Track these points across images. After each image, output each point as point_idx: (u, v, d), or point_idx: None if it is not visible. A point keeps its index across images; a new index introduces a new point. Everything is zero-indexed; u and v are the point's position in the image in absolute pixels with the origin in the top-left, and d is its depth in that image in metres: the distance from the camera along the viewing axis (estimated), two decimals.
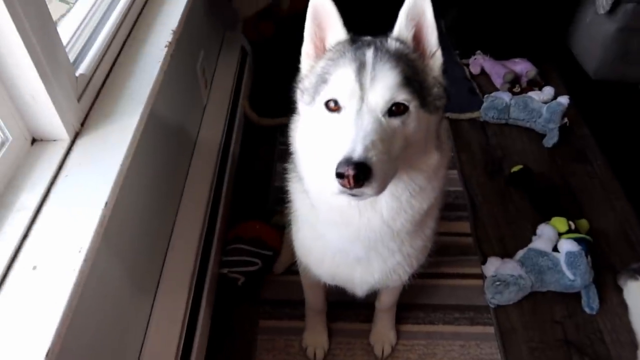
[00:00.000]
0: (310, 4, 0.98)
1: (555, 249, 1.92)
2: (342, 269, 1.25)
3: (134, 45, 1.40)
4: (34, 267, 0.88)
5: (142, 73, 1.31)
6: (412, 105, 0.91)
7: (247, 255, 1.88)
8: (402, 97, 0.90)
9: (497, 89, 2.77)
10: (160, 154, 1.56)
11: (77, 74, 1.15)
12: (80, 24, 1.30)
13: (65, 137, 1.09)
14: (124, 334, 1.28)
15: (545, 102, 2.53)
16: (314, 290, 1.61)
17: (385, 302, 1.66)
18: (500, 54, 2.92)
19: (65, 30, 1.25)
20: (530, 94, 2.60)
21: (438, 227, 1.28)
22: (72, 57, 1.20)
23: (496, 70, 2.82)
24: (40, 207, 0.97)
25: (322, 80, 0.96)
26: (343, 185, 0.82)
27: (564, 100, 2.46)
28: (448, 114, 2.62)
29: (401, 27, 0.97)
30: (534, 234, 2.04)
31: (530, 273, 1.85)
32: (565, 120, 2.48)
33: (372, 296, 1.69)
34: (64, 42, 1.16)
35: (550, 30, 2.95)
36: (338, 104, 0.91)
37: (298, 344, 1.76)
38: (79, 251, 0.90)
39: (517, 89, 2.71)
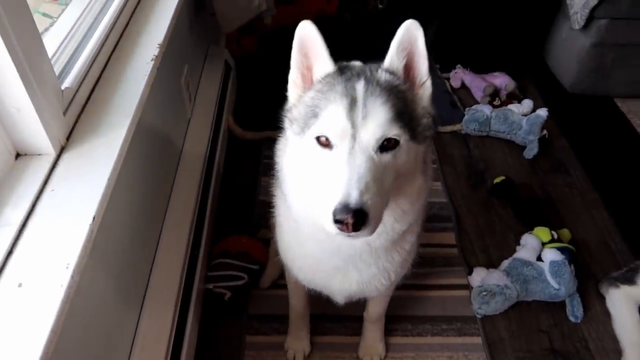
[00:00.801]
0: (296, 34, 0.97)
1: (539, 259, 1.95)
2: (321, 276, 1.27)
3: (120, 59, 1.39)
4: (20, 285, 0.85)
5: (128, 86, 1.30)
6: (403, 139, 0.92)
7: (233, 269, 1.86)
8: (394, 132, 0.90)
9: (477, 102, 2.82)
10: (145, 167, 1.54)
11: (62, 87, 1.14)
12: (65, 37, 1.29)
13: (50, 151, 1.07)
14: (110, 351, 1.25)
15: (525, 115, 2.59)
16: (297, 292, 1.61)
17: (373, 313, 1.66)
18: (480, 68, 2.98)
19: (50, 44, 1.23)
20: (510, 106, 2.66)
21: (419, 241, 1.31)
22: (57, 70, 1.18)
23: (476, 84, 2.88)
24: (25, 222, 0.95)
25: (313, 114, 0.95)
26: (341, 230, 0.85)
27: (542, 112, 2.52)
28: None
29: (392, 57, 0.96)
30: (518, 243, 2.07)
31: (516, 283, 1.87)
32: (545, 132, 2.54)
33: (360, 308, 1.69)
34: (49, 54, 1.14)
35: (528, 45, 3.03)
36: (329, 140, 0.91)
37: (286, 358, 1.74)
38: (67, 267, 0.88)
39: (497, 102, 2.77)
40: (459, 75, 2.98)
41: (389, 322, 1.82)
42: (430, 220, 2.20)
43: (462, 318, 1.87)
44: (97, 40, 1.32)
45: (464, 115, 2.68)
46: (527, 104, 2.67)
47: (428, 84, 0.99)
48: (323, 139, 0.92)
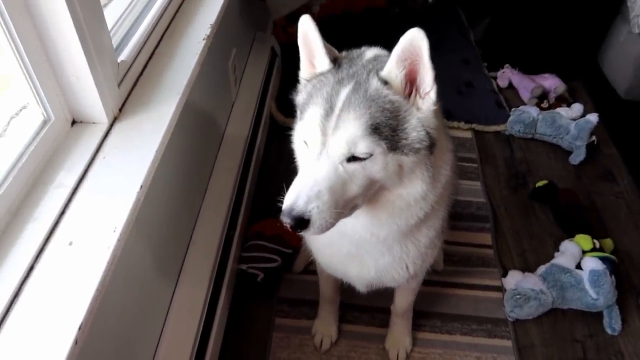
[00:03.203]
0: (299, 27, 0.99)
1: (578, 267, 1.89)
2: (338, 260, 1.30)
3: (173, 37, 1.43)
4: (70, 243, 0.90)
5: (179, 63, 1.33)
6: (378, 152, 0.91)
7: (267, 252, 1.89)
8: (363, 147, 0.90)
9: (524, 103, 2.75)
10: (190, 144, 1.58)
11: (119, 60, 1.18)
12: (123, 12, 1.33)
13: (104, 120, 1.11)
14: (146, 317, 1.29)
15: (574, 119, 2.51)
16: (325, 277, 1.62)
17: (400, 307, 1.65)
18: (529, 69, 2.90)
19: (109, 18, 1.27)
20: (559, 110, 2.58)
21: (442, 237, 1.32)
22: (114, 43, 1.22)
23: (524, 85, 2.81)
24: (77, 185, 0.99)
25: (303, 108, 0.99)
26: (286, 225, 0.91)
27: (592, 117, 2.43)
28: (474, 125, 2.62)
29: (392, 66, 0.93)
30: (556, 250, 2.02)
31: (552, 289, 1.82)
32: (593, 138, 2.45)
33: (389, 300, 1.69)
34: (108, 28, 1.19)
35: (581, 47, 2.93)
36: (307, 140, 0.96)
37: (313, 343, 1.76)
38: (114, 230, 0.91)
39: (544, 105, 2.69)
40: (507, 75, 2.91)
41: (417, 317, 1.81)
42: (467, 219, 2.18)
43: (493, 320, 1.84)
44: (153, 17, 1.36)
45: (509, 116, 2.62)
46: (577, 108, 2.58)
47: (432, 94, 0.94)
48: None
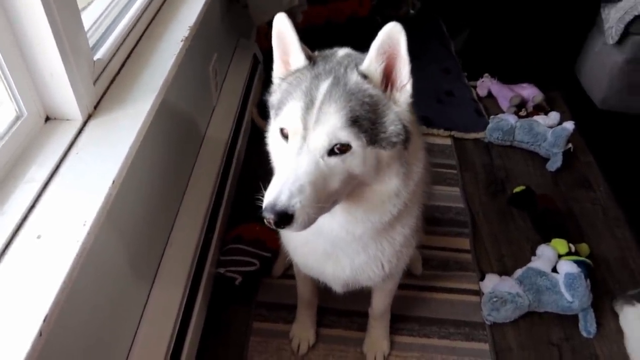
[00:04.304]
0: (274, 25, 1.00)
1: (554, 271, 1.92)
2: (314, 259, 1.30)
3: (152, 37, 1.44)
4: (39, 236, 0.89)
5: (157, 63, 1.34)
6: (356, 145, 0.92)
7: (245, 255, 1.88)
8: (344, 139, 0.91)
9: (503, 112, 2.80)
10: (167, 144, 1.58)
11: (95, 58, 1.18)
12: (103, 12, 1.33)
13: (78, 117, 1.11)
14: (119, 318, 1.28)
15: (551, 127, 2.56)
16: (303, 280, 1.62)
17: (377, 309, 1.66)
18: (508, 78, 2.96)
19: (88, 18, 1.28)
20: (536, 118, 2.63)
21: (417, 236, 1.34)
22: (91, 42, 1.23)
23: (503, 94, 2.86)
24: (49, 180, 0.99)
25: (279, 106, 0.98)
26: (268, 224, 0.90)
27: (569, 125, 2.48)
28: (453, 133, 2.65)
29: (371, 59, 0.95)
30: (534, 254, 2.04)
31: (528, 292, 1.84)
32: (570, 145, 2.50)
33: (368, 304, 1.69)
34: (86, 27, 1.19)
35: (559, 57, 2.99)
36: (287, 133, 0.95)
37: (291, 347, 1.75)
38: (84, 224, 0.91)
39: (523, 113, 2.74)
40: (486, 84, 2.96)
41: (395, 321, 1.82)
42: (446, 224, 2.20)
43: (470, 323, 1.85)
44: (131, 17, 1.37)
45: (488, 123, 2.66)
46: (554, 116, 2.64)
47: (408, 87, 0.97)
48: (285, 131, 0.96)
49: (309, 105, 0.92)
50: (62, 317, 0.89)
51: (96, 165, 1.03)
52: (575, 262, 1.90)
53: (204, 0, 1.62)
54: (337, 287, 1.40)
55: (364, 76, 0.96)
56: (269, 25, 2.54)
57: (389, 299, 1.63)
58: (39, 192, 0.96)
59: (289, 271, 1.92)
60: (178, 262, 1.62)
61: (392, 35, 0.92)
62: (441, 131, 2.65)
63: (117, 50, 1.28)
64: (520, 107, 2.77)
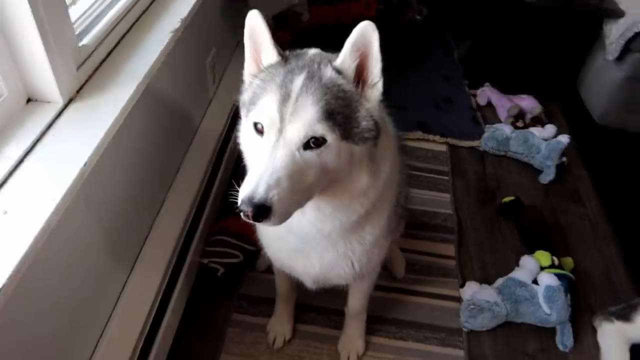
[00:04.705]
0: (246, 22, 1.01)
1: (535, 282, 1.92)
2: (285, 255, 1.33)
3: (142, 28, 1.46)
4: (5, 212, 0.92)
5: (144, 53, 1.37)
6: (331, 139, 0.93)
7: (229, 247, 1.91)
8: (320, 132, 0.92)
9: (501, 122, 2.80)
10: (154, 132, 1.60)
11: (80, 44, 1.21)
12: (94, 2, 1.36)
13: (58, 100, 1.14)
14: (93, 299, 1.29)
15: (546, 139, 2.55)
16: (281, 275, 1.64)
17: (353, 309, 1.67)
18: (508, 88, 2.96)
19: (79, 6, 1.32)
20: (532, 129, 2.63)
21: (390, 237, 1.37)
22: (79, 29, 1.26)
23: (502, 104, 2.86)
24: (22, 159, 1.02)
25: (252, 101, 0.99)
26: (245, 218, 0.90)
27: (563, 139, 2.48)
28: (448, 139, 2.66)
29: (345, 56, 0.97)
30: (517, 265, 2.04)
31: (507, 302, 1.84)
32: (564, 159, 2.50)
33: (346, 303, 1.71)
34: (76, 15, 1.23)
35: (561, 71, 2.98)
36: (263, 127, 0.95)
37: (267, 341, 1.77)
38: (52, 201, 0.93)
39: (520, 124, 2.74)
40: (486, 94, 2.97)
41: (373, 322, 1.83)
42: (433, 230, 2.21)
43: (447, 329, 1.86)
44: (122, 7, 1.40)
45: (484, 132, 2.66)
46: (550, 129, 2.63)
47: (379, 85, 0.99)
48: (259, 126, 0.96)
49: (285, 98, 0.93)
50: (24, 291, 0.92)
51: (71, 147, 1.06)
52: (557, 275, 1.90)
53: None
54: (309, 282, 1.42)
55: (338, 72, 0.98)
56: (276, 24, 2.55)
57: (364, 299, 1.64)
58: (11, 169, 0.99)
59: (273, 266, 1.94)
60: (160, 249, 1.64)
61: (366, 34, 0.94)
62: (437, 137, 2.66)
63: (104, 38, 1.31)
64: (518, 118, 2.77)
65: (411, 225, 2.18)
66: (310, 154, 0.93)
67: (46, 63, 1.08)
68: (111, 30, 1.34)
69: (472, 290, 1.91)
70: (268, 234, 1.35)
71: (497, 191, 2.45)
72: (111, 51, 1.34)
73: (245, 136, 1.06)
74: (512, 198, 2.31)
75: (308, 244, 1.24)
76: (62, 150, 1.05)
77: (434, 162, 2.55)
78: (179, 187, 1.83)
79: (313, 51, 1.07)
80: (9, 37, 1.04)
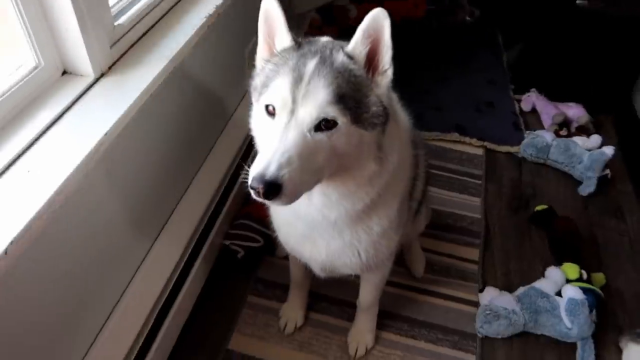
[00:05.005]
0: (261, 6, 1.04)
1: (559, 295, 1.85)
2: (294, 240, 1.36)
3: (179, 12, 1.53)
4: (28, 171, 1.00)
5: (176, 35, 1.44)
6: (342, 122, 0.95)
7: (251, 231, 1.96)
8: (331, 114, 0.94)
9: (544, 129, 2.70)
10: (187, 115, 1.66)
11: (115, 23, 1.29)
12: None
13: (90, 74, 1.22)
14: (111, 268, 1.37)
15: (589, 150, 2.44)
16: (293, 260, 1.67)
17: (363, 301, 1.68)
18: (556, 96, 2.85)
19: None
20: (575, 139, 2.52)
21: (400, 231, 1.36)
22: (117, 8, 1.34)
23: (547, 111, 2.76)
24: (50, 125, 1.10)
25: (265, 84, 1.01)
26: (255, 196, 0.92)
27: (608, 150, 2.37)
28: (486, 143, 2.60)
29: (357, 42, 0.99)
30: (544, 276, 1.98)
31: (526, 311, 1.79)
32: (607, 171, 2.38)
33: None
34: None
35: (614, 80, 2.84)
36: (275, 109, 0.97)
37: (278, 325, 1.81)
38: (70, 164, 1.01)
39: (564, 132, 2.63)
40: (532, 99, 2.87)
41: (385, 317, 1.83)
42: (457, 232, 2.17)
43: (461, 332, 1.83)
44: None
45: (524, 138, 2.58)
46: (595, 139, 2.51)
47: (389, 72, 1.01)
48: (270, 108, 0.98)
49: (297, 81, 0.95)
50: (37, 248, 1.00)
51: (95, 117, 1.13)
52: (583, 289, 1.82)
53: None
54: (317, 269, 1.44)
55: (349, 57, 1.00)
56: (322, 18, 2.59)
57: (375, 292, 1.65)
58: (39, 134, 1.07)
59: None
60: (182, 227, 1.71)
61: (378, 20, 0.96)
62: (474, 140, 2.60)
63: (141, 19, 1.39)
64: (562, 126, 2.67)
65: (435, 225, 2.16)
66: (321, 136, 0.95)
67: (80, 39, 1.16)
68: (148, 13, 1.42)
69: (490, 295, 1.86)
70: (279, 217, 1.38)
71: (532, 199, 2.37)
72: (146, 32, 1.42)
73: (256, 120, 1.09)
74: (545, 207, 2.23)
75: (315, 230, 1.26)
76: (87, 120, 1.13)
77: (467, 165, 2.50)
78: (208, 169, 1.90)
79: (325, 38, 1.09)
80: (49, 14, 1.13)
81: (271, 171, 0.89)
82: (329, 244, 1.28)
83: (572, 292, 1.80)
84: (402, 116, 1.24)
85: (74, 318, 1.23)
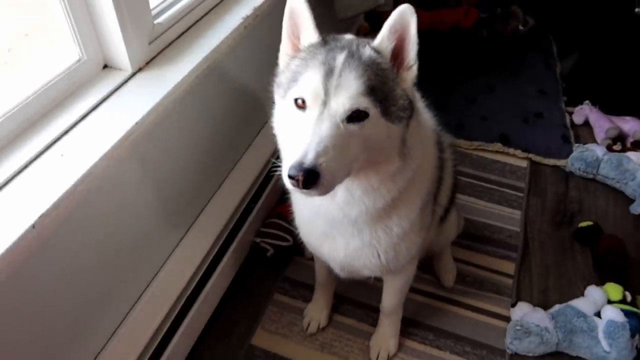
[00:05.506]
0: (287, 4, 1.06)
1: (598, 316, 1.75)
2: (314, 238, 1.36)
3: (218, 12, 1.59)
4: (62, 155, 1.08)
5: (214, 35, 1.49)
6: (372, 113, 0.97)
7: (282, 230, 1.99)
8: (363, 105, 0.95)
9: (597, 143, 2.57)
10: (224, 113, 1.72)
11: (155, 22, 1.36)
12: None
13: (128, 68, 1.30)
14: (141, 254, 1.43)
15: None
16: (318, 260, 1.67)
17: (386, 306, 1.66)
18: (611, 109, 2.70)
19: None
20: (629, 154, 2.38)
21: (422, 234, 1.35)
22: (158, 8, 1.42)
23: (600, 124, 2.62)
24: (87, 114, 1.18)
25: (294, 78, 1.02)
26: (293, 185, 0.92)
27: None
28: (531, 155, 2.50)
29: (383, 37, 1.01)
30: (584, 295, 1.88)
31: (560, 330, 1.70)
32: None
33: None
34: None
35: None
36: (305, 103, 0.98)
37: (302, 324, 1.82)
38: (100, 150, 1.08)
39: (617, 147, 2.49)
40: (585, 112, 2.73)
41: (409, 325, 1.80)
42: (493, 244, 2.10)
43: (489, 347, 1.77)
44: None
45: (572, 152, 2.47)
46: None
47: (415, 68, 1.03)
48: (300, 101, 0.99)
49: (328, 73, 0.97)
50: (67, 225, 1.06)
51: (129, 107, 1.20)
52: (625, 311, 1.71)
53: None
54: (337, 268, 1.45)
55: (376, 51, 1.02)
56: (370, 26, 2.61)
57: (397, 296, 1.62)
58: (75, 122, 1.15)
59: None
60: (213, 221, 1.77)
61: (405, 17, 0.98)
62: (518, 152, 2.52)
63: (180, 19, 1.46)
64: (616, 140, 2.53)
65: (471, 236, 2.11)
66: (353, 127, 0.96)
67: (120, 37, 1.24)
68: (187, 13, 1.49)
69: (522, 311, 1.79)
70: (300, 215, 1.39)
71: (577, 215, 2.26)
72: (185, 31, 1.49)
73: (282, 116, 1.10)
74: (590, 223, 2.12)
75: (335, 229, 1.26)
76: (120, 110, 1.20)
77: (509, 176, 2.42)
78: (243, 167, 1.95)
79: (349, 36, 1.10)
80: (92, 13, 1.21)
81: (309, 159, 0.90)
82: (349, 243, 1.29)
83: (613, 313, 1.70)
84: (426, 115, 1.23)
85: (100, 302, 1.29)
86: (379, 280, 1.63)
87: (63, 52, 1.23)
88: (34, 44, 1.33)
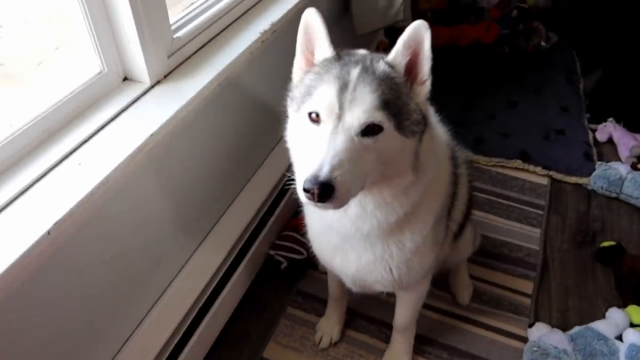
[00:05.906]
0: (302, 18, 1.07)
1: (620, 340, 1.69)
2: (326, 252, 1.36)
3: (237, 27, 1.63)
4: (79, 164, 1.10)
5: (231, 50, 1.52)
6: (387, 127, 0.97)
7: (297, 244, 1.99)
8: (378, 119, 0.96)
9: (620, 161, 2.51)
10: (240, 127, 1.74)
11: (174, 36, 1.40)
12: (195, 2, 1.56)
13: (147, 81, 1.33)
14: (155, 263, 1.45)
15: None
16: (331, 275, 1.66)
17: (399, 322, 1.64)
18: (635, 126, 2.64)
19: (184, 4, 1.52)
20: None
21: (435, 249, 1.33)
22: (178, 23, 1.45)
23: (625, 142, 2.57)
24: (105, 125, 1.21)
25: (307, 92, 1.03)
26: (308, 199, 0.93)
27: None
28: (551, 173, 2.46)
29: (397, 52, 1.02)
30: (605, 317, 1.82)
31: (579, 353, 1.66)
32: None
33: None
34: (180, 10, 1.42)
35: None
36: (319, 117, 0.99)
37: (314, 339, 1.80)
38: (116, 160, 1.10)
39: None
40: (608, 129, 2.68)
41: (423, 343, 1.77)
42: (511, 263, 2.07)
43: None
44: (220, 9, 1.57)
45: (595, 170, 2.42)
46: None
47: (428, 83, 1.04)
48: (314, 115, 1.00)
49: (342, 88, 0.98)
50: (82, 233, 1.09)
51: (146, 119, 1.23)
52: None
53: (294, 2, 1.76)
54: (349, 283, 1.44)
55: (390, 66, 1.02)
56: (391, 42, 2.61)
57: (410, 313, 1.60)
58: (93, 132, 1.18)
59: None
60: (228, 233, 1.78)
61: (419, 32, 0.99)
62: (538, 169, 2.48)
63: (199, 33, 1.49)
64: None
65: (488, 254, 2.07)
66: (367, 141, 0.97)
67: (140, 50, 1.27)
68: (206, 28, 1.52)
69: (540, 332, 1.74)
70: (313, 228, 1.39)
71: (599, 235, 2.20)
72: (203, 45, 1.52)
73: (295, 131, 1.11)
74: (612, 243, 2.06)
75: (347, 243, 1.26)
76: (137, 122, 1.22)
77: (529, 194, 2.38)
78: (258, 179, 1.96)
79: (363, 51, 1.11)
80: (114, 27, 1.25)
81: (324, 172, 0.90)
82: (361, 257, 1.28)
83: (635, 337, 1.65)
84: (440, 130, 1.23)
85: (112, 310, 1.31)
86: (391, 296, 1.61)
87: (86, 65, 1.27)
88: (63, 58, 1.38)
